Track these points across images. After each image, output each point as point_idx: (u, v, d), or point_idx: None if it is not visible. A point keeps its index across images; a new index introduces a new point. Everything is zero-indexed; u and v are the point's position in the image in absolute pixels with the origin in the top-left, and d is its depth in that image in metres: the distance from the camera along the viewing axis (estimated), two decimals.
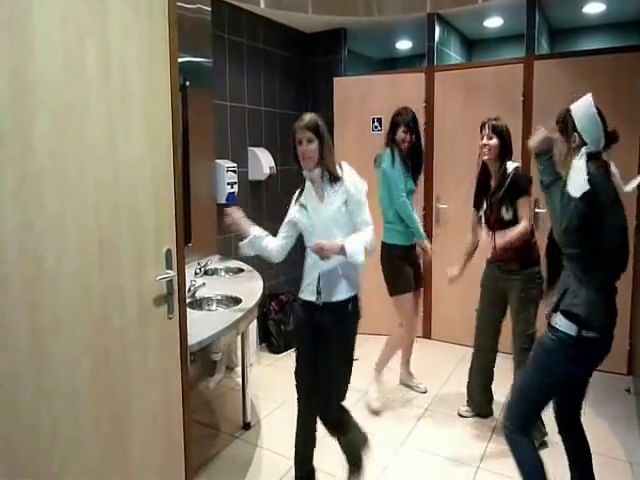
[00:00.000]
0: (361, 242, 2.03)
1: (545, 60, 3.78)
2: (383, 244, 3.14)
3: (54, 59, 1.35)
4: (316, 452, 2.30)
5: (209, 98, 3.51)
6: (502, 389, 2.99)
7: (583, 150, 1.85)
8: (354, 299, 2.15)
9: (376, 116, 4.22)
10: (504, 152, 2.71)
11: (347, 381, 2.18)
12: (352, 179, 2.12)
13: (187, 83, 3.14)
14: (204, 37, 3.44)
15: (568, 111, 1.94)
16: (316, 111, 4.63)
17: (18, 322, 1.29)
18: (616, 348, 3.53)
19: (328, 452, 2.31)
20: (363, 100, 4.26)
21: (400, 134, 3.10)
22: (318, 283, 2.13)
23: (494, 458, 2.66)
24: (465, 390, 3.10)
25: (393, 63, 5.50)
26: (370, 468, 2.55)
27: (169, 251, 1.75)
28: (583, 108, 1.89)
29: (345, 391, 2.19)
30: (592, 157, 1.84)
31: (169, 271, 1.74)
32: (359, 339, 2.20)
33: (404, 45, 5.13)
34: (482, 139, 2.73)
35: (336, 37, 4.55)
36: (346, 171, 2.14)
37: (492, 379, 3.00)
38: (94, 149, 1.48)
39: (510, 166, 2.69)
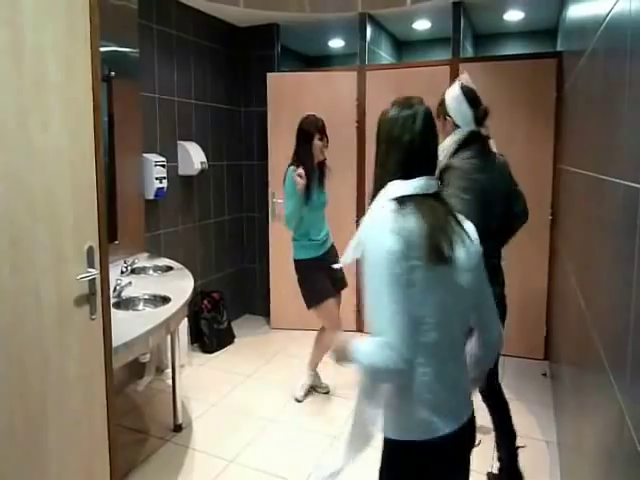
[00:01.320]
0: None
1: (469, 63, 3.94)
2: (293, 260, 3.13)
3: None
4: None
5: (136, 90, 3.37)
6: None
7: (456, 132, 2.03)
8: None
9: (310, 113, 4.23)
10: None
11: None
12: None
13: (112, 73, 3.00)
14: (130, 26, 3.29)
15: (442, 98, 2.11)
16: (249, 106, 4.64)
17: None
18: (533, 335, 3.84)
19: None
20: (297, 96, 4.25)
21: (316, 142, 3.02)
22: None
23: None
24: None
25: (327, 61, 5.55)
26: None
27: (91, 248, 1.66)
28: (451, 91, 2.05)
29: None
30: (469, 141, 2.00)
31: (91, 269, 1.65)
32: None
33: (337, 43, 5.18)
34: None
35: (269, 32, 4.51)
36: None
37: None
38: (4, 138, 1.38)
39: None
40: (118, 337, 1.86)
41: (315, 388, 3.36)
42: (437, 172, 1.42)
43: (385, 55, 4.85)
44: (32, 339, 1.48)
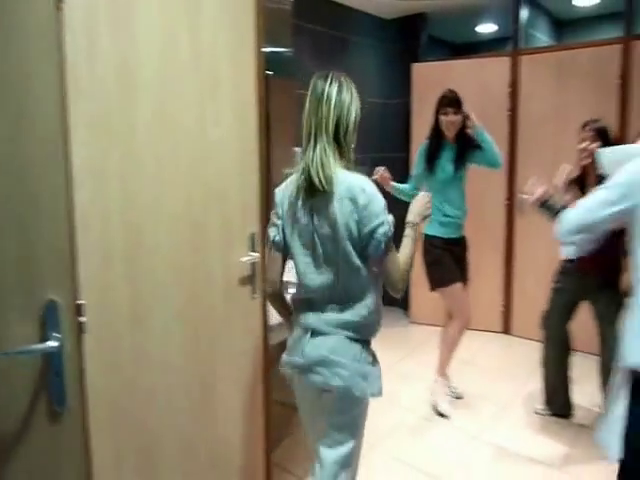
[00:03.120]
0: None
1: None
2: (424, 235, 2.97)
3: (152, 46, 1.44)
4: None
5: (290, 87, 3.57)
6: (582, 390, 2.87)
7: None
8: None
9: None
10: None
11: None
12: None
13: (270, 73, 3.22)
14: (285, 27, 3.49)
15: None
16: (393, 99, 4.64)
17: (120, 289, 1.40)
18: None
19: None
20: (443, 86, 4.10)
21: (441, 118, 2.92)
22: None
23: (573, 462, 2.55)
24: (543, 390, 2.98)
25: (475, 48, 5.32)
26: (442, 461, 2.54)
27: (253, 234, 1.82)
28: None
29: None
30: None
31: (253, 253, 1.81)
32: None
33: (487, 28, 4.95)
34: (582, 142, 2.60)
35: (416, 22, 4.47)
36: None
37: (568, 375, 2.84)
38: (186, 132, 1.56)
39: None
40: (273, 317, 2.01)
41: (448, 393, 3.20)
42: None
43: (542, 37, 4.51)
44: (206, 313, 1.67)
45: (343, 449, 1.56)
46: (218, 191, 1.68)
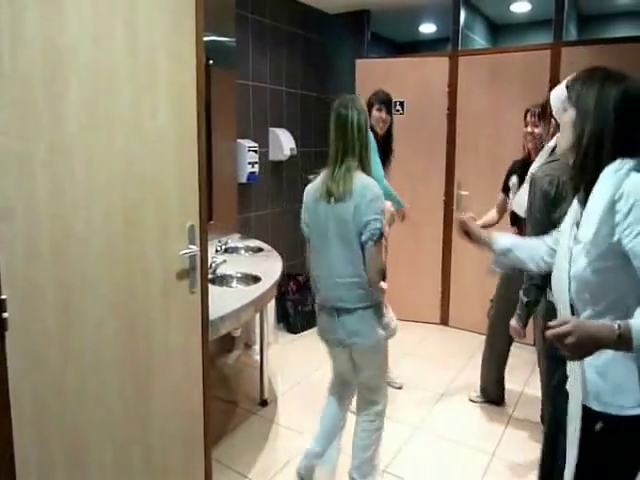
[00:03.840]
0: None
1: (573, 47, 3.70)
2: None
3: (85, 32, 1.38)
4: None
5: (232, 77, 3.52)
6: (515, 378, 3.01)
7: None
8: None
9: (398, 99, 4.18)
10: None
11: None
12: None
13: (210, 62, 3.15)
14: (227, 16, 3.44)
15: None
16: (337, 93, 4.66)
17: (47, 283, 1.33)
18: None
19: None
20: (385, 83, 4.17)
21: (374, 113, 2.97)
22: None
23: (509, 446, 2.68)
24: (479, 378, 3.11)
25: (417, 47, 5.44)
26: (388, 453, 2.60)
27: (192, 226, 1.78)
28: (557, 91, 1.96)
29: None
30: None
31: (192, 246, 1.77)
32: None
33: (428, 29, 5.07)
34: (526, 127, 2.72)
35: (359, 19, 4.51)
36: None
37: (505, 365, 2.99)
38: (120, 123, 1.50)
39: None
40: (213, 311, 1.98)
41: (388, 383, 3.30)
42: None
43: (479, 40, 4.68)
44: (141, 305, 1.62)
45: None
46: (155, 183, 1.63)
